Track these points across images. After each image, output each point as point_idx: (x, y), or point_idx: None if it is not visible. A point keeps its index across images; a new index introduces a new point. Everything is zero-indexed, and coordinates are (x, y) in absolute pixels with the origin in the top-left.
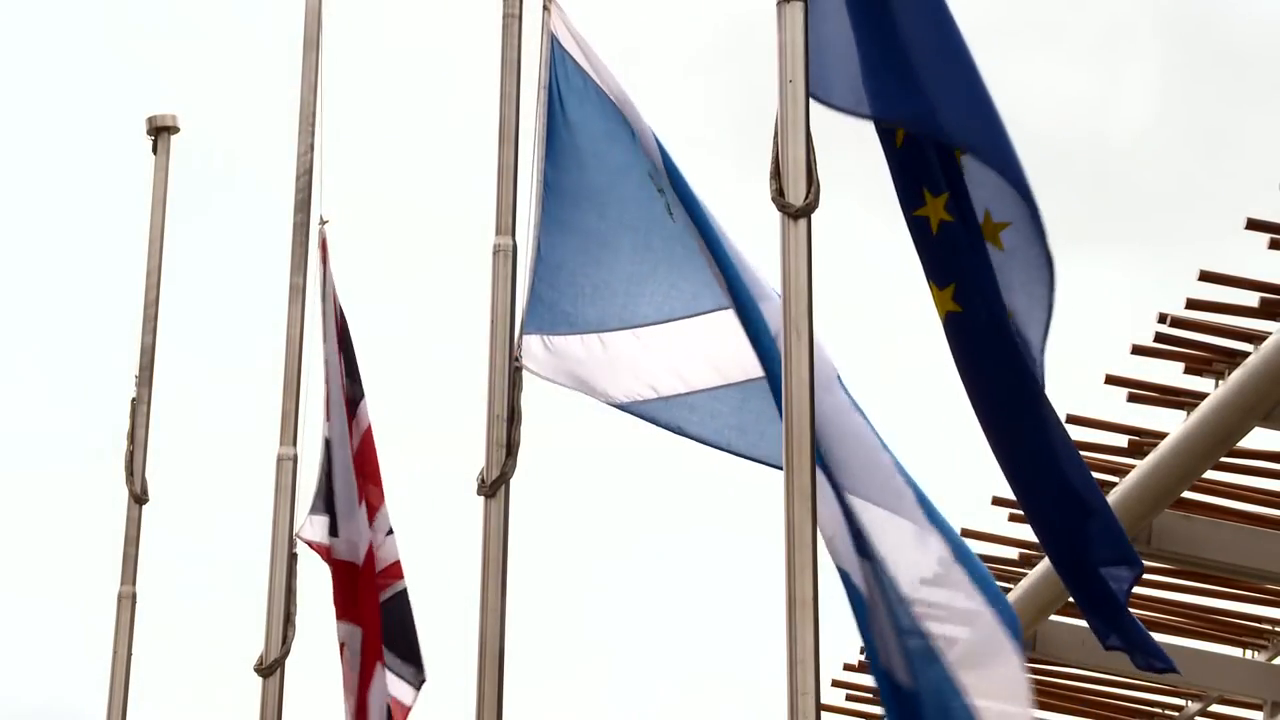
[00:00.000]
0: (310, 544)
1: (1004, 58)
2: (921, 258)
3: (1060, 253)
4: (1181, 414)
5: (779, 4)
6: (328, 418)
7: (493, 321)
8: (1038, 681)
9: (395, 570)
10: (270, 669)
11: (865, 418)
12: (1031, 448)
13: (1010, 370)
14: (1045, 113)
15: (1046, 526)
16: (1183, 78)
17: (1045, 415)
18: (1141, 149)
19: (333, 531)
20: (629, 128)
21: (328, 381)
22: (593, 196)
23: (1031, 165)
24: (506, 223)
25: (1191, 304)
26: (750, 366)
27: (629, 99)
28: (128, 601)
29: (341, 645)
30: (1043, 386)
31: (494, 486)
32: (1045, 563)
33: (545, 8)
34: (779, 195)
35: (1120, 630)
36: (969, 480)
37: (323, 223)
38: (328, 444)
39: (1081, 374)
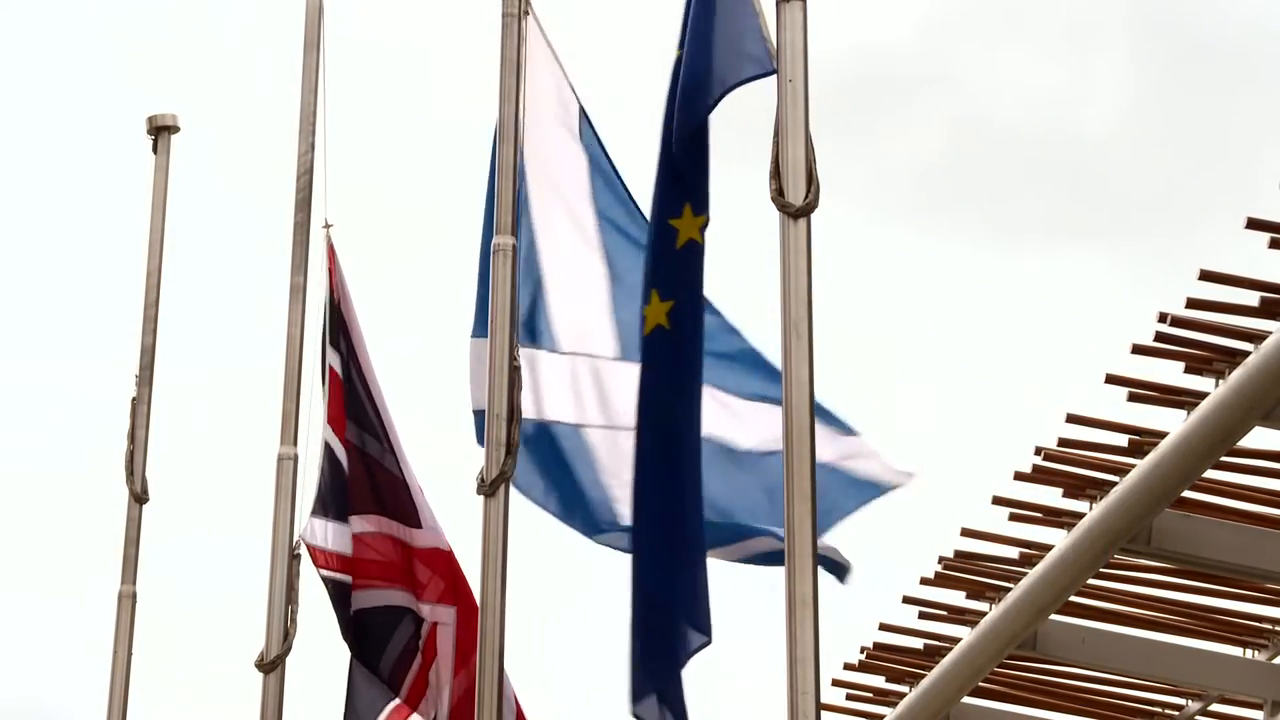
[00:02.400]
0: (310, 547)
1: (970, 51)
2: (652, 262)
3: (1040, 249)
4: (1182, 413)
5: (779, 4)
6: (329, 420)
7: (492, 321)
8: (1037, 681)
9: None
10: (271, 665)
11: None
12: (679, 480)
13: (686, 404)
14: (1016, 108)
15: (649, 560)
16: (1154, 71)
17: (695, 455)
18: (1117, 143)
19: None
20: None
21: (351, 385)
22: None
23: (1006, 161)
24: (506, 223)
25: (1191, 303)
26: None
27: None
28: (128, 601)
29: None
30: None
31: (494, 486)
32: (1045, 563)
33: (525, 12)
34: (779, 195)
35: (663, 693)
36: (969, 480)
37: (326, 226)
38: (328, 447)
39: (1081, 374)
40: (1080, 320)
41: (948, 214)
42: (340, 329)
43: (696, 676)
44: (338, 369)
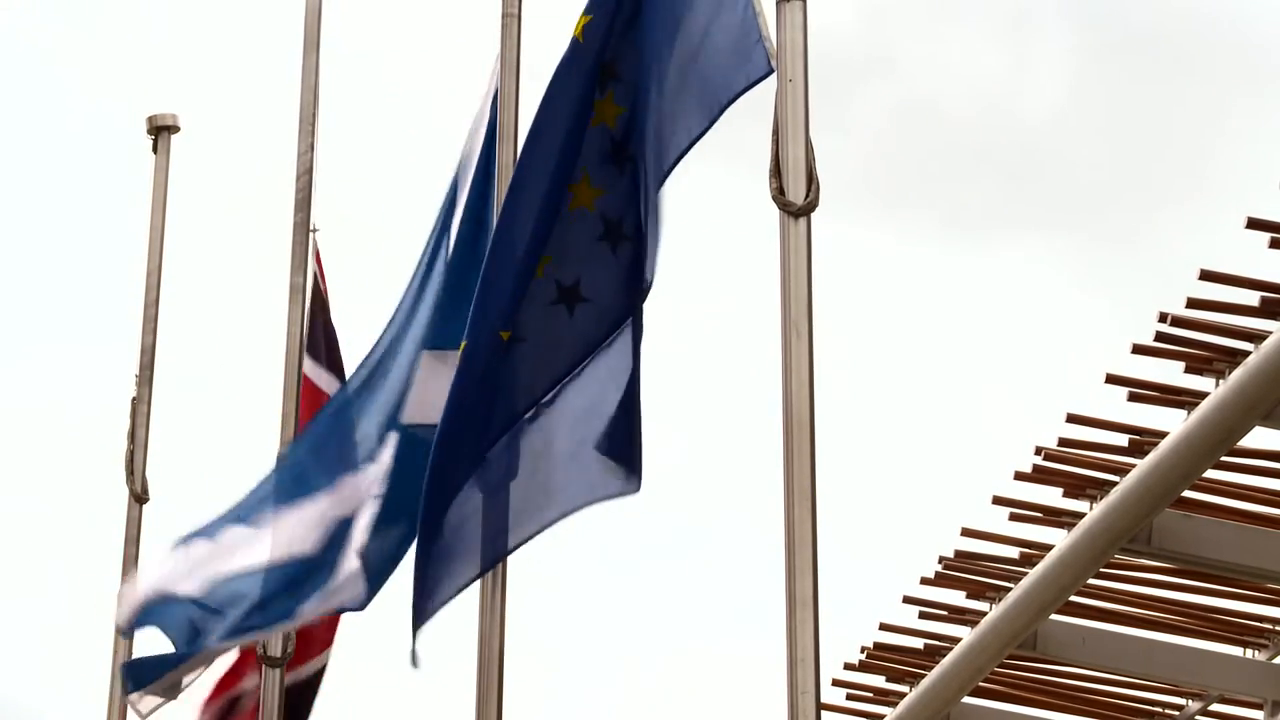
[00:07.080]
0: None
1: (911, 38)
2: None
3: (984, 238)
4: (1182, 413)
5: (778, 4)
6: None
7: None
8: (1038, 681)
9: None
10: (272, 665)
11: None
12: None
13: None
14: (958, 95)
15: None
16: (1093, 58)
17: None
18: (1058, 131)
19: None
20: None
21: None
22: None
23: (949, 148)
24: None
25: (1192, 303)
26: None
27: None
28: None
29: None
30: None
31: None
32: (1045, 562)
33: (513, 15)
34: (779, 194)
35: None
36: (969, 480)
37: (313, 230)
38: None
39: (1081, 373)
40: (1046, 312)
41: (894, 203)
42: (324, 337)
43: (696, 676)
44: (312, 377)
